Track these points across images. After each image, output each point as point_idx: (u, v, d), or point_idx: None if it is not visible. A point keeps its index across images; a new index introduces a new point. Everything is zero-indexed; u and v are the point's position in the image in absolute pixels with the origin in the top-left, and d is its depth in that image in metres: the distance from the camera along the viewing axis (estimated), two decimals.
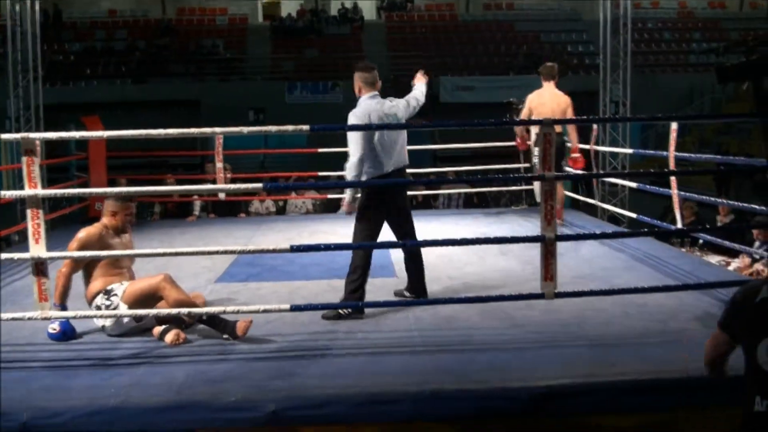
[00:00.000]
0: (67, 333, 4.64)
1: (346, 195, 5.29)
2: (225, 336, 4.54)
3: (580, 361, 4.01)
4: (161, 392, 3.74)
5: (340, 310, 4.95)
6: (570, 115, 8.24)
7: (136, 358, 4.30)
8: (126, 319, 4.67)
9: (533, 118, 8.23)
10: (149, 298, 4.64)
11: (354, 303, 4.99)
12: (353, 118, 5.11)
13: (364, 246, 5.13)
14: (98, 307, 4.71)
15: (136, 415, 3.60)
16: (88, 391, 3.78)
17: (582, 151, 8.83)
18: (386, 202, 5.19)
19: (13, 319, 4.43)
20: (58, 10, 23.31)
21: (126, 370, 4.10)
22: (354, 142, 5.02)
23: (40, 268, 4.28)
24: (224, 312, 4.48)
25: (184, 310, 4.51)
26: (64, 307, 4.66)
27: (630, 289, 4.83)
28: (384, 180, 5.14)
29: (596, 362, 3.98)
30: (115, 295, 4.70)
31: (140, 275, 5.11)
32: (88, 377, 3.99)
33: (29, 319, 4.39)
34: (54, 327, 4.62)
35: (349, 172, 5.08)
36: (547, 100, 8.32)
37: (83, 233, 4.78)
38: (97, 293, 4.76)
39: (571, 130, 8.39)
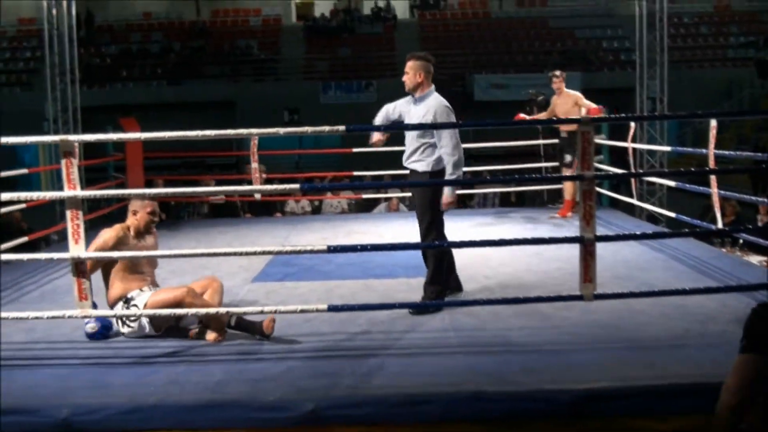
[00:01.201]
0: (107, 328, 4.67)
1: (449, 190, 5.21)
2: (257, 337, 4.56)
3: (619, 364, 3.96)
4: (199, 390, 3.76)
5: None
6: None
7: (174, 357, 4.33)
8: (147, 329, 4.65)
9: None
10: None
11: (391, 304, 4.99)
12: (449, 112, 5.18)
13: (399, 246, 5.13)
14: (119, 316, 4.68)
15: (174, 412, 3.63)
16: (126, 388, 3.82)
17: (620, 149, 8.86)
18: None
19: (53, 317, 4.49)
20: (90, 13, 23.56)
21: (164, 368, 4.14)
22: (452, 134, 5.10)
23: (80, 267, 4.32)
24: (262, 312, 4.49)
25: (223, 310, 4.53)
26: (93, 306, 4.58)
27: (669, 291, 4.75)
28: (433, 180, 5.26)
29: (635, 365, 3.92)
30: (135, 305, 4.65)
31: (179, 276, 5.14)
32: (126, 375, 4.03)
33: (69, 317, 4.44)
34: (92, 326, 4.64)
35: (460, 160, 5.13)
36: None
37: (100, 237, 4.72)
38: (117, 300, 4.71)
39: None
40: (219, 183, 11.61)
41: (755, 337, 2.65)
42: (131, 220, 4.87)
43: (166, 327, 4.70)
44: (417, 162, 5.26)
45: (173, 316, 4.60)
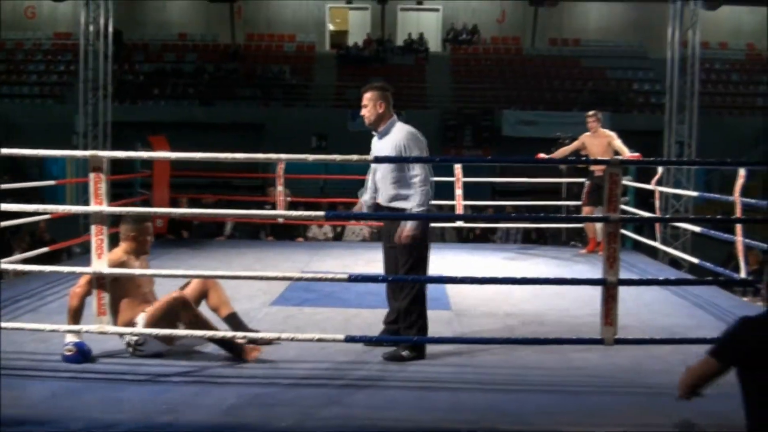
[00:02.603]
0: (85, 353, 4.50)
1: (411, 224, 4.80)
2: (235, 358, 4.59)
3: (638, 410, 3.90)
4: (213, 412, 3.75)
5: (402, 353, 4.72)
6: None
7: (189, 376, 4.32)
8: (157, 346, 4.60)
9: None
10: (167, 320, 4.54)
11: (409, 338, 4.84)
12: (418, 140, 4.86)
13: (419, 279, 5.03)
14: (128, 344, 4.62)
15: None
16: (140, 405, 3.82)
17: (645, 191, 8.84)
18: None
19: (71, 331, 4.51)
20: (119, 31, 23.66)
21: (178, 387, 4.13)
22: (424, 166, 4.80)
23: (100, 282, 4.35)
24: (279, 339, 4.49)
25: (240, 334, 4.52)
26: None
27: (691, 340, 4.69)
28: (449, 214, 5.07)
29: (654, 412, 3.85)
30: (137, 324, 4.62)
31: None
32: (141, 392, 4.02)
33: (86, 332, 4.46)
34: (70, 349, 4.48)
35: (428, 192, 4.80)
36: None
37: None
38: (126, 327, 4.64)
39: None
40: (228, 203, 11.69)
41: (725, 347, 3.14)
42: (129, 245, 4.78)
43: (172, 336, 4.64)
44: (401, 200, 4.87)
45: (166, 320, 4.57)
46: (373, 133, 5.01)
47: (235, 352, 4.59)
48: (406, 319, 4.84)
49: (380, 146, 4.96)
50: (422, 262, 4.90)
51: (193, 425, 3.64)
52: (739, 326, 3.09)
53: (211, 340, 4.62)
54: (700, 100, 12.91)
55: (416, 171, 4.75)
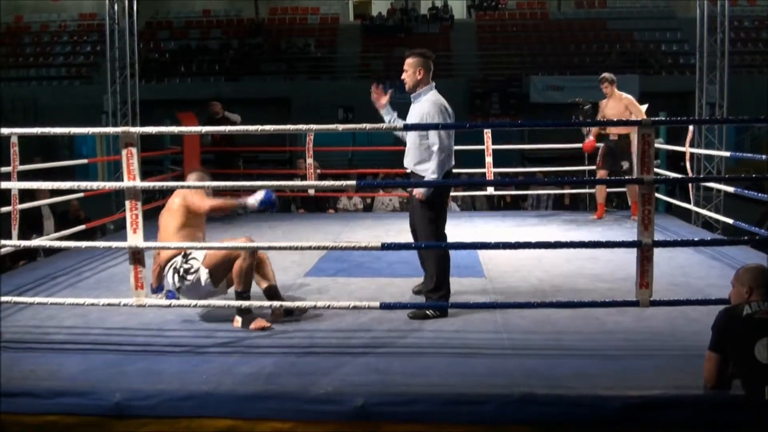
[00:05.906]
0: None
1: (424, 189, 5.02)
2: (236, 322, 4.71)
3: (673, 372, 3.88)
4: (251, 381, 3.81)
5: (427, 311, 4.90)
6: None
7: (226, 347, 4.38)
8: (204, 283, 4.75)
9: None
10: (228, 263, 4.71)
11: (442, 304, 4.97)
12: (441, 111, 4.97)
13: (453, 246, 5.10)
14: (176, 269, 4.79)
15: (226, 401, 3.67)
16: (179, 376, 3.88)
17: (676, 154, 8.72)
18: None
19: (109, 304, 4.60)
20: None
21: (216, 358, 4.19)
22: (443, 135, 4.91)
23: (137, 256, 4.41)
24: (315, 307, 4.52)
25: (276, 304, 4.56)
26: (161, 288, 4.93)
27: (728, 301, 4.66)
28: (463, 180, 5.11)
29: (690, 373, 3.81)
30: (195, 258, 4.78)
31: None
32: (179, 363, 4.09)
33: (124, 305, 4.53)
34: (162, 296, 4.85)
35: (444, 161, 4.92)
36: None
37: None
38: (175, 255, 4.84)
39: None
40: (272, 178, 11.67)
41: (720, 340, 3.49)
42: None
43: (225, 282, 4.84)
44: (422, 165, 5.01)
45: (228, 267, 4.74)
46: (411, 97, 5.13)
47: (245, 318, 4.70)
48: (431, 281, 5.03)
49: (412, 111, 5.09)
50: (436, 224, 5.06)
51: (233, 394, 3.70)
52: (721, 318, 3.52)
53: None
54: (730, 59, 12.66)
55: (434, 140, 4.88)
